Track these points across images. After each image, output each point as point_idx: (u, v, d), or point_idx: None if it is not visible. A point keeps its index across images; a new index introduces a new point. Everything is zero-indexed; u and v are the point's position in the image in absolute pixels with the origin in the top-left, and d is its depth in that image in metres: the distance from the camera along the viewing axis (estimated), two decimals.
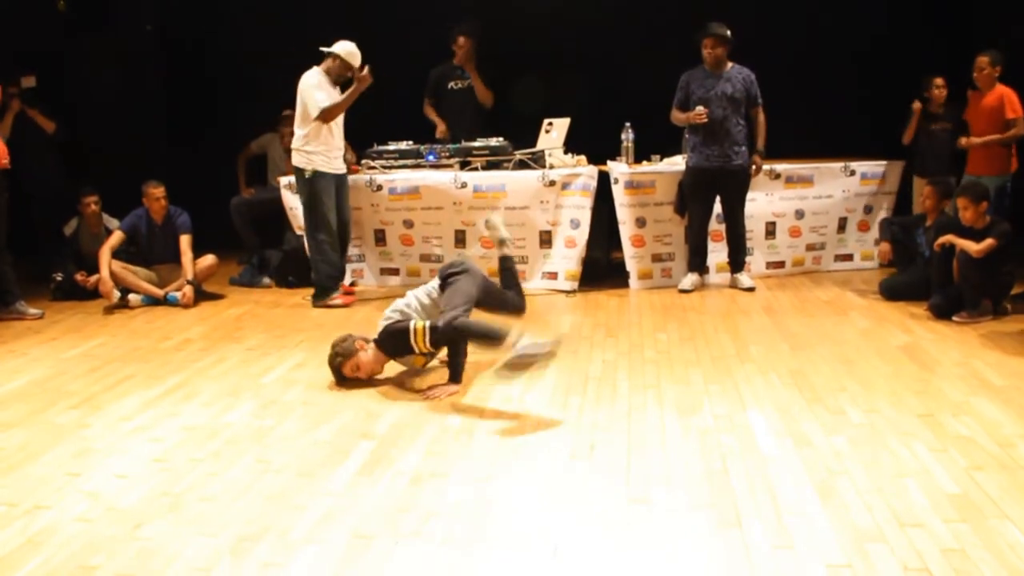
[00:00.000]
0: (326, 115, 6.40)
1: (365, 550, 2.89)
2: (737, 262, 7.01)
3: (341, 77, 6.54)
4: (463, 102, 8.27)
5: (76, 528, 3.11)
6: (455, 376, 4.57)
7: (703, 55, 6.73)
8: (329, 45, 6.52)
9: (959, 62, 6.85)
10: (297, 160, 6.53)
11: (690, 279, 6.96)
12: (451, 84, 8.32)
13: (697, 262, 6.99)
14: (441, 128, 8.24)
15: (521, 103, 8.25)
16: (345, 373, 4.65)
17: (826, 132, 8.16)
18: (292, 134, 6.61)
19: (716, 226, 7.07)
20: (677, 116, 6.91)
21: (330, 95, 6.46)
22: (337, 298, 6.68)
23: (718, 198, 6.90)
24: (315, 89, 6.42)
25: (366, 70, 6.38)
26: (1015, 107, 6.38)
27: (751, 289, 6.83)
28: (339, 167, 6.67)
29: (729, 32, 6.67)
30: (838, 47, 8.37)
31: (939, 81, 7.18)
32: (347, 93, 6.45)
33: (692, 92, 6.77)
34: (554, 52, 8.62)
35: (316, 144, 6.47)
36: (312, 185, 6.52)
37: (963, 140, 6.74)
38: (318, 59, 6.57)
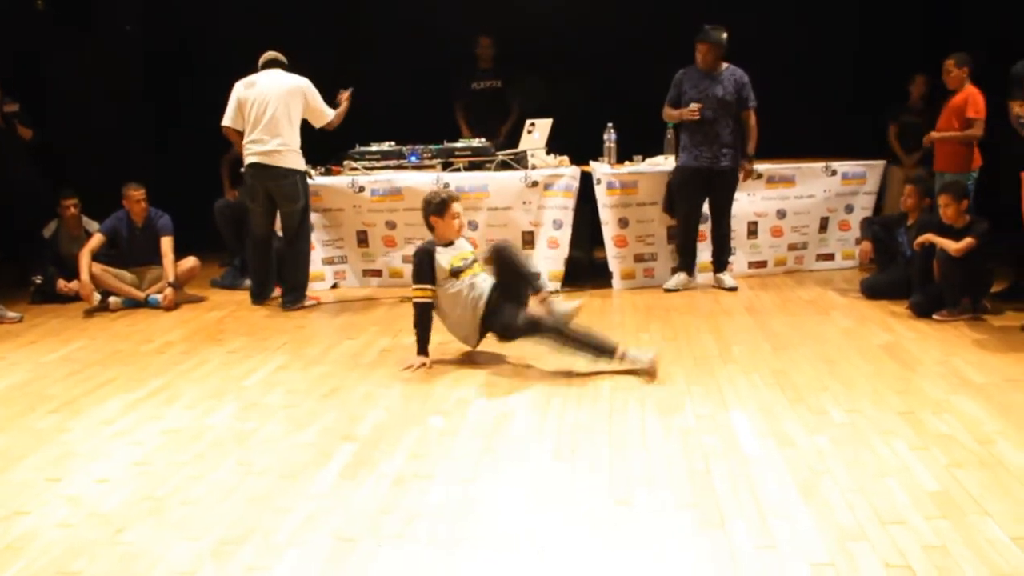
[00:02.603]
0: (334, 123, 6.58)
1: (349, 552, 2.88)
2: (720, 262, 7.01)
3: None
4: (487, 103, 8.35)
5: (57, 533, 3.09)
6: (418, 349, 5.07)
7: (696, 56, 6.71)
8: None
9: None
10: (297, 162, 6.50)
11: (676, 279, 6.96)
12: (474, 85, 8.38)
13: (685, 262, 6.98)
14: (464, 133, 8.36)
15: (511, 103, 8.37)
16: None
17: (812, 133, 8.19)
18: None
19: (700, 226, 7.08)
20: (669, 113, 6.89)
21: None
22: (311, 298, 6.72)
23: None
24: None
25: (348, 95, 6.62)
26: (977, 107, 6.53)
27: (733, 289, 6.84)
28: None
29: (725, 35, 6.58)
30: (825, 47, 8.42)
31: (920, 78, 7.37)
32: (340, 112, 6.60)
33: (685, 92, 6.74)
34: (536, 53, 8.63)
35: (298, 145, 6.52)
36: (307, 187, 6.62)
37: (928, 136, 6.89)
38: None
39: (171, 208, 7.27)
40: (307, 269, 6.74)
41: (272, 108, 6.36)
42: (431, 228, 5.12)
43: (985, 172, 6.63)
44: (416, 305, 5.00)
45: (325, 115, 6.52)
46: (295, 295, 6.64)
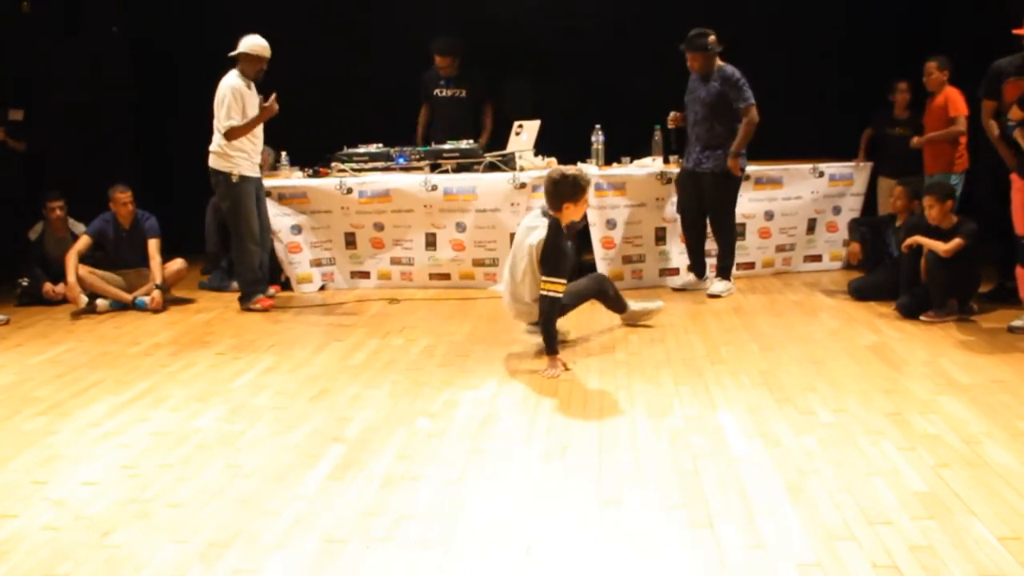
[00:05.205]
0: (232, 134, 6.35)
1: (337, 554, 2.88)
2: (719, 267, 6.87)
3: (259, 73, 6.49)
4: (449, 109, 8.29)
5: (43, 536, 3.08)
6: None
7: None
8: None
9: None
10: (219, 164, 6.45)
11: (683, 279, 7.05)
12: (436, 91, 8.32)
13: (691, 262, 6.99)
14: (417, 136, 8.29)
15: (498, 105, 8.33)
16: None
17: (799, 134, 8.19)
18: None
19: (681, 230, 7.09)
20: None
21: (245, 103, 6.37)
22: (258, 303, 6.67)
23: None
24: (230, 98, 6.32)
25: (272, 100, 6.36)
26: (957, 106, 6.62)
27: (714, 296, 6.67)
28: (258, 171, 6.69)
29: (711, 38, 6.45)
30: (812, 48, 8.43)
31: (902, 85, 7.31)
32: (253, 118, 6.40)
33: (686, 96, 6.77)
34: (524, 54, 8.62)
35: (239, 147, 6.44)
36: (237, 189, 6.49)
37: (914, 140, 6.93)
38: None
39: (158, 210, 7.24)
40: (249, 272, 6.64)
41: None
42: (559, 210, 4.88)
43: (969, 174, 6.68)
44: (549, 300, 4.79)
45: (224, 122, 6.32)
46: (243, 294, 6.70)
